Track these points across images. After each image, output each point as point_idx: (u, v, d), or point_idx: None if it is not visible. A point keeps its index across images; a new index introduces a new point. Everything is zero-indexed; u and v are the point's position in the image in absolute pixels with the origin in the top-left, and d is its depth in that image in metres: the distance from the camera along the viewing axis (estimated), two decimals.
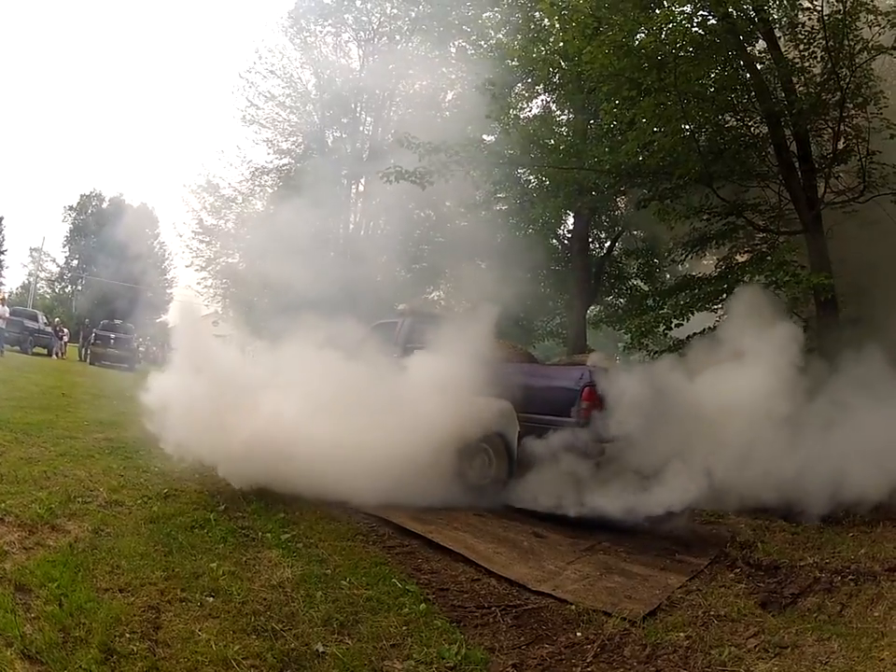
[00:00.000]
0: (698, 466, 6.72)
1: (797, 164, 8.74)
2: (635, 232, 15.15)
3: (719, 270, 11.02)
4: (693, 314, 9.56)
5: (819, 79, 8.34)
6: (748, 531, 6.64)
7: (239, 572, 4.32)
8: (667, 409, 6.96)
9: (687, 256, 11.21)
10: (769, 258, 7.41)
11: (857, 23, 7.53)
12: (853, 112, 8.02)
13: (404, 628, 3.78)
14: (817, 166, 8.89)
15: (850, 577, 4.97)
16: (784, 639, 3.86)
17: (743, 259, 10.83)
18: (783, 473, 6.85)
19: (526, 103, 15.40)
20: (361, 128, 20.34)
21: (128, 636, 3.23)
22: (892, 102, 7.78)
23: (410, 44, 18.53)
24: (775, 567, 5.27)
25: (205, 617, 3.57)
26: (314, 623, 3.71)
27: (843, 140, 8.34)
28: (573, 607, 4.22)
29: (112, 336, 20.48)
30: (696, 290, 10.30)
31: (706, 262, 12.89)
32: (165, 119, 71.94)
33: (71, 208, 39.79)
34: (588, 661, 3.52)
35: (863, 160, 8.01)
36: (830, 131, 8.57)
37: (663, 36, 7.66)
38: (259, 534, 5.27)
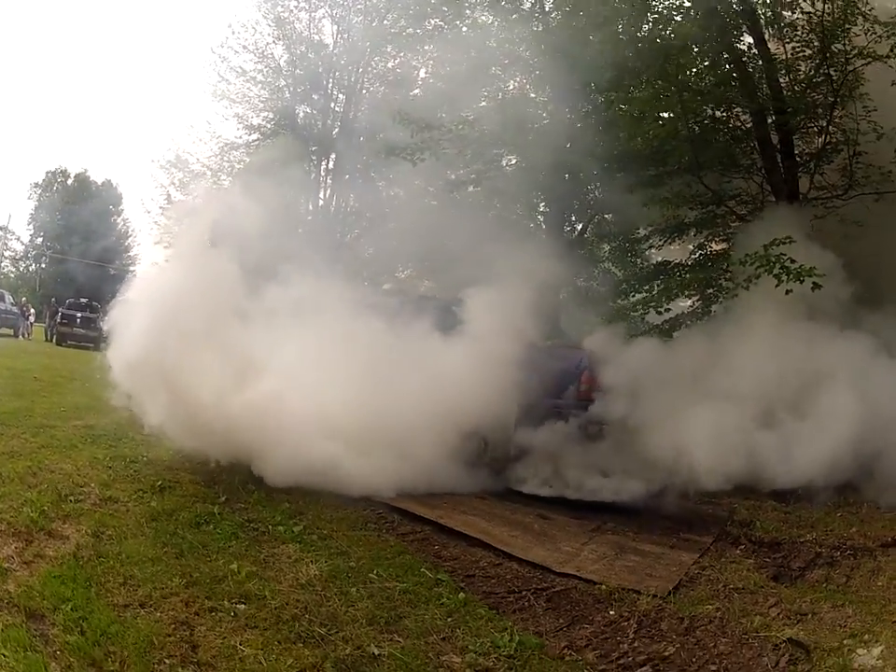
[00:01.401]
0: (687, 446, 6.65)
1: (780, 159, 8.62)
2: (606, 216, 14.94)
3: (695, 258, 10.87)
4: (669, 301, 9.45)
5: (810, 80, 8.25)
6: (742, 510, 6.59)
7: (262, 572, 3.98)
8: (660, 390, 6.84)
9: (665, 242, 11.08)
10: (758, 251, 7.22)
11: (853, 29, 7.46)
12: (842, 113, 7.96)
13: (449, 620, 3.61)
14: (800, 160, 8.82)
15: (849, 552, 5.05)
16: (802, 608, 3.99)
17: (718, 248, 10.75)
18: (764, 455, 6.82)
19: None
20: (333, 105, 19.44)
21: (167, 661, 2.86)
22: (881, 105, 7.67)
23: (385, 21, 17.66)
24: (776, 543, 5.32)
25: (242, 628, 3.21)
26: (358, 622, 3.45)
27: (829, 139, 8.29)
28: (600, 586, 4.17)
29: (78, 315, 19.15)
30: (676, 277, 10.18)
31: (673, 248, 12.79)
32: (132, 93, 67.97)
33: (36, 185, 37.12)
34: (630, 637, 3.52)
35: (850, 159, 7.91)
36: (816, 129, 8.46)
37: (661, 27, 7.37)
38: (269, 527, 4.89)
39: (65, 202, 30.76)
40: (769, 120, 8.85)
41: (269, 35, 17.90)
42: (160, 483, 5.78)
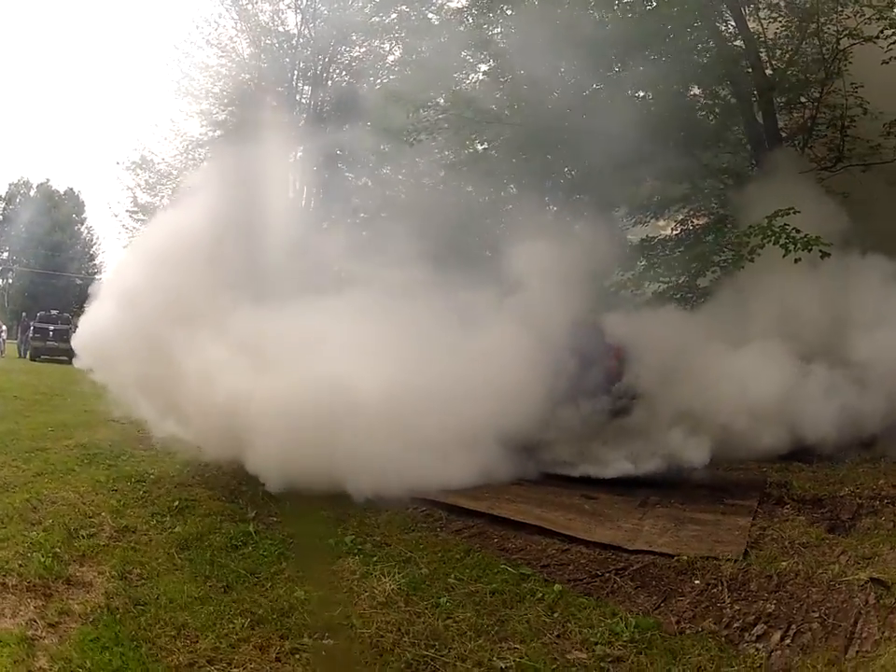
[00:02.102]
0: (712, 417, 6.33)
1: (765, 135, 8.45)
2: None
3: (677, 234, 10.53)
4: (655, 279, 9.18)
5: (795, 58, 8.08)
6: (774, 473, 6.29)
7: (331, 595, 3.45)
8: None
9: (650, 218, 10.72)
10: (760, 223, 6.94)
11: (843, 10, 7.34)
12: (830, 90, 7.83)
13: (554, 615, 3.31)
14: (787, 135, 8.61)
15: (886, 501, 5.03)
16: (865, 553, 4.02)
17: (700, 223, 10.44)
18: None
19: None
20: (298, 97, 18.41)
21: None
22: (867, 82, 7.53)
23: (348, 11, 16.71)
24: (818, 499, 5.26)
25: (340, 667, 2.64)
26: (465, 636, 3.06)
27: (816, 114, 8.16)
28: (677, 558, 4.00)
29: (51, 328, 17.66)
30: (660, 254, 9.86)
31: (644, 227, 12.42)
32: (90, 95, 63.61)
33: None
34: (728, 602, 3.44)
35: (841, 132, 7.80)
36: (806, 105, 8.34)
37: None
38: (317, 541, 4.33)
39: (29, 213, 28.56)
40: (754, 98, 8.62)
41: (232, 28, 16.77)
42: (176, 503, 5.10)
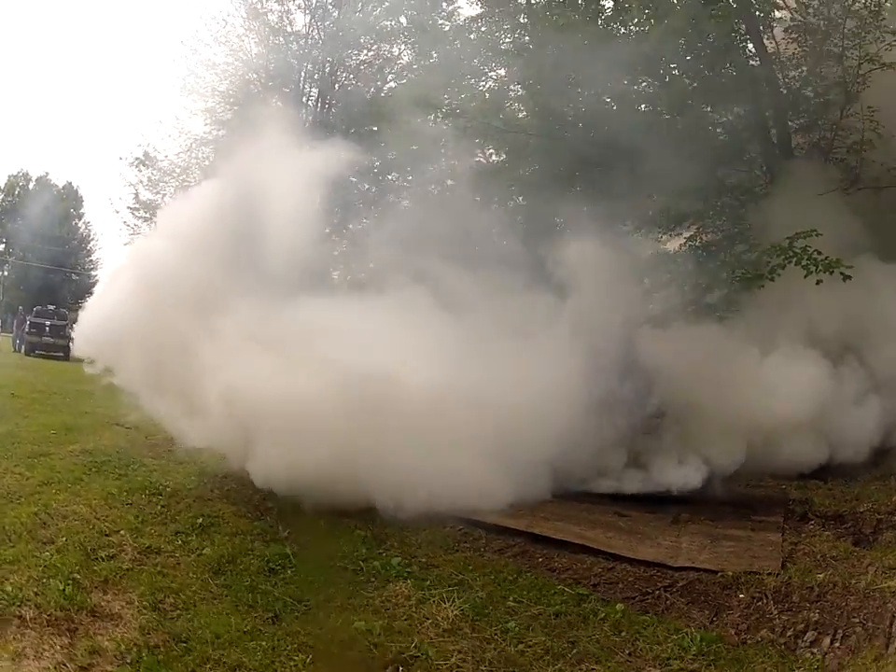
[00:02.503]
0: (733, 434, 6.15)
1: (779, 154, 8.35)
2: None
3: (686, 250, 10.33)
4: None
5: (812, 78, 8.07)
6: (793, 490, 6.22)
7: (394, 624, 3.22)
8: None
9: (664, 234, 10.52)
10: (781, 243, 6.80)
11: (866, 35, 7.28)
12: (849, 115, 7.73)
13: (623, 634, 3.26)
14: (800, 156, 8.47)
15: None
16: (891, 563, 4.07)
17: (707, 239, 10.27)
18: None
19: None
20: (304, 99, 17.99)
21: None
22: (883, 107, 7.42)
23: (358, 14, 16.36)
24: (839, 515, 5.30)
25: None
26: (542, 660, 2.96)
27: (835, 137, 8.05)
28: (720, 574, 4.01)
29: (47, 324, 16.92)
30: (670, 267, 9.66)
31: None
32: (92, 91, 61.97)
33: None
34: (775, 613, 3.51)
35: (858, 155, 7.66)
36: (825, 126, 8.23)
37: None
38: (361, 563, 4.01)
39: (27, 206, 27.60)
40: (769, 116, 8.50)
41: (241, 26, 16.31)
42: (199, 520, 4.70)
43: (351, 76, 17.84)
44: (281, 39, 16.84)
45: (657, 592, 3.81)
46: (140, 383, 5.47)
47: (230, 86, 17.25)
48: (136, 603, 3.22)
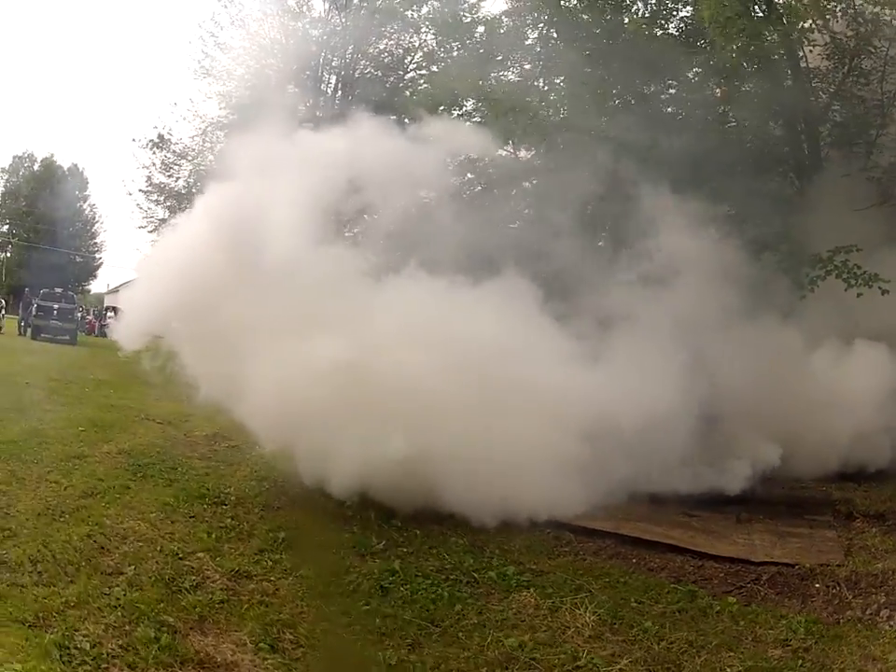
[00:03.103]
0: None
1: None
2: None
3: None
4: None
5: (843, 92, 7.71)
6: (834, 492, 6.15)
7: (537, 636, 3.06)
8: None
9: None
10: (822, 255, 6.63)
11: None
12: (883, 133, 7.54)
13: (741, 624, 3.36)
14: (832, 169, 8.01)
15: None
16: None
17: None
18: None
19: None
20: (322, 86, 17.03)
21: None
22: None
23: (380, 1, 15.44)
24: (881, 514, 5.40)
25: None
26: (690, 655, 3.00)
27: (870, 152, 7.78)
28: (796, 567, 4.15)
29: (55, 307, 15.77)
30: None
31: None
32: (101, 71, 58.50)
33: (2, 170, 31.36)
34: (850, 598, 3.72)
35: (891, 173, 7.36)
36: (855, 144, 7.88)
37: None
38: (474, 574, 3.67)
39: (32, 187, 25.91)
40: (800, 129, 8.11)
41: (258, 10, 15.29)
42: (280, 534, 4.00)
43: (371, 65, 16.93)
44: (300, 24, 15.87)
45: (748, 585, 3.97)
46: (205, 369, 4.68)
47: (246, 70, 16.23)
48: (249, 645, 2.55)
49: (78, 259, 23.74)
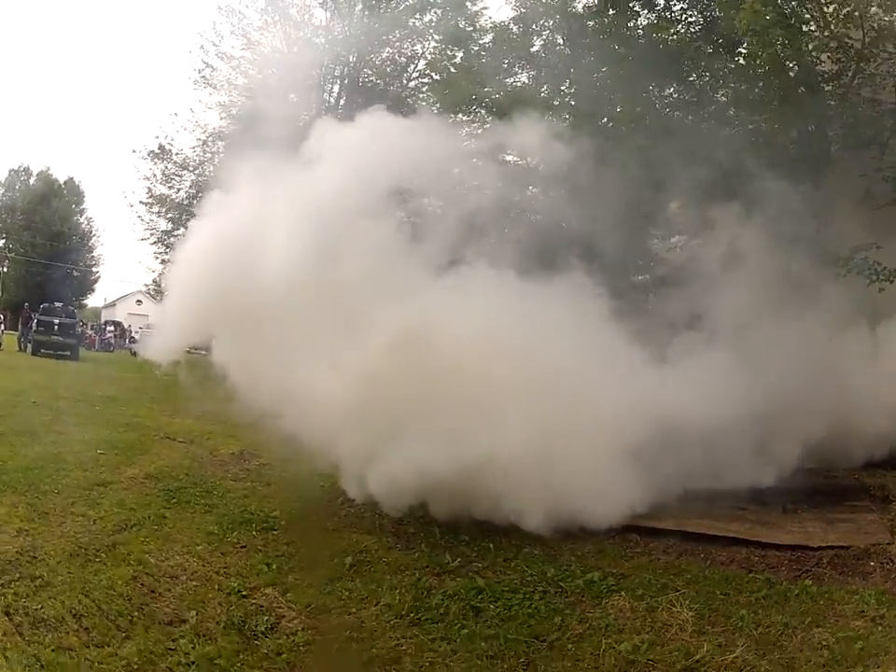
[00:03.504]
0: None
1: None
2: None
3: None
4: None
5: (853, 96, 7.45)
6: (865, 479, 6.02)
7: (647, 638, 2.98)
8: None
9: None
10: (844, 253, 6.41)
11: None
12: None
13: (820, 603, 3.46)
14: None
15: None
16: None
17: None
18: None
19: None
20: (325, 95, 16.57)
21: None
22: None
23: (383, 10, 15.08)
24: None
25: None
26: (784, 635, 3.07)
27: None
28: (851, 549, 4.23)
29: (56, 322, 14.95)
30: None
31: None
32: (97, 83, 56.16)
33: None
34: None
35: None
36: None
37: None
38: (559, 584, 3.51)
39: (28, 201, 24.80)
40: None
41: (259, 18, 14.82)
42: (346, 559, 3.54)
43: (374, 73, 16.55)
44: (302, 32, 15.43)
45: (812, 569, 4.08)
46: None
47: (247, 80, 15.75)
48: None
49: (76, 274, 22.82)
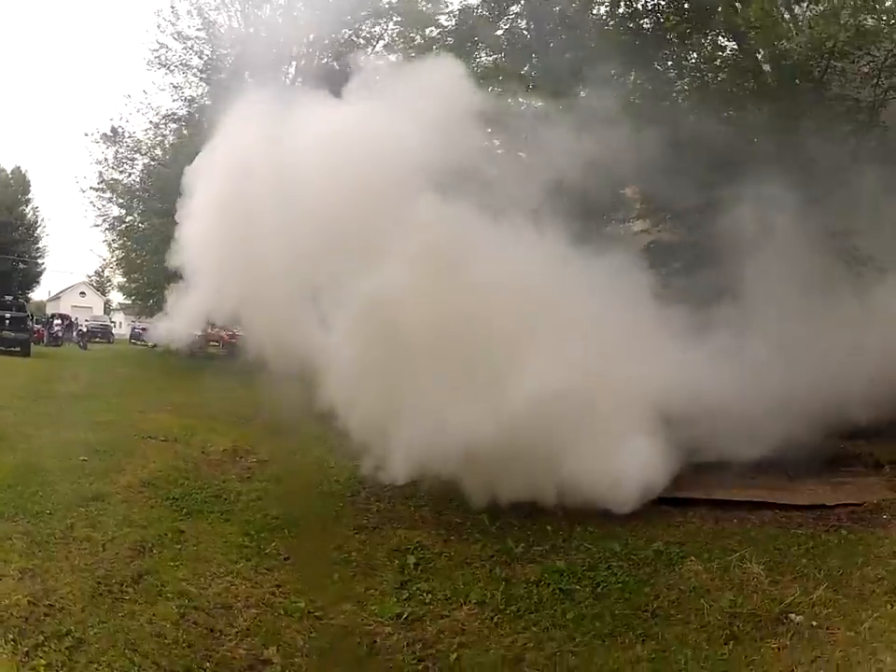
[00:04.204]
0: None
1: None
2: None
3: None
4: None
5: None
6: (850, 447, 5.88)
7: (735, 593, 3.07)
8: None
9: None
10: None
11: None
12: None
13: (860, 548, 3.62)
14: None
15: None
16: None
17: None
18: None
19: None
20: (281, 76, 15.33)
21: None
22: None
23: None
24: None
25: None
26: (845, 579, 3.21)
27: None
28: (864, 504, 4.39)
29: (7, 316, 13.13)
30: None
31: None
32: (42, 65, 49.01)
33: None
34: None
35: None
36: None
37: None
38: (633, 557, 3.48)
39: None
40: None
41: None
42: (408, 558, 3.20)
43: (330, 54, 15.42)
44: (259, 13, 14.10)
45: (834, 523, 4.20)
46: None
47: (201, 60, 14.33)
48: None
49: (21, 266, 20.27)
